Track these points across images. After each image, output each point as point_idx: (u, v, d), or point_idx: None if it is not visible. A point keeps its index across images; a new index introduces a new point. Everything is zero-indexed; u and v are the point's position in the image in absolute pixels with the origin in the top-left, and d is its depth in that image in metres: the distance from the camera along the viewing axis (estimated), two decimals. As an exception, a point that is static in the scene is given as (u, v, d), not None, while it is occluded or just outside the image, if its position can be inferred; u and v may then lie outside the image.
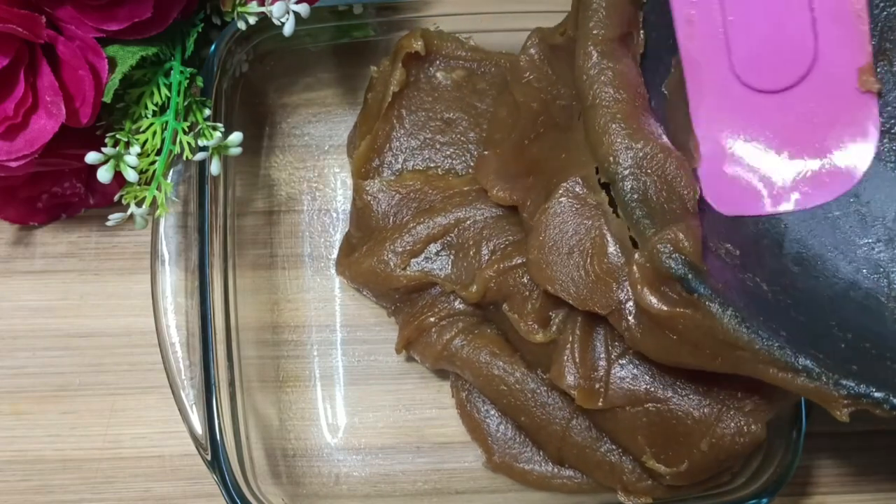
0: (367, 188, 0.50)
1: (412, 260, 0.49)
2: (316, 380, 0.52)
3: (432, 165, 0.51)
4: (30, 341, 0.52)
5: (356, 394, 0.52)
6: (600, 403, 0.45)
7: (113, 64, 0.45)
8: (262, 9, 0.46)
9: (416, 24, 0.53)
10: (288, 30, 0.46)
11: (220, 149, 0.46)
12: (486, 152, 0.49)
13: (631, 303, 0.42)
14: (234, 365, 0.48)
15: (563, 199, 0.45)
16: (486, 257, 0.48)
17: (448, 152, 0.52)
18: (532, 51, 0.50)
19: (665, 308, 0.40)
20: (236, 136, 0.47)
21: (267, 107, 0.55)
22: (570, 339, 0.45)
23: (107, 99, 0.45)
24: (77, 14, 0.44)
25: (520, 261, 0.47)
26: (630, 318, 0.43)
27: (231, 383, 0.47)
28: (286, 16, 0.46)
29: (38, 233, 0.54)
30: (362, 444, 0.51)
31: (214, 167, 0.47)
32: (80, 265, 0.54)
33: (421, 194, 0.50)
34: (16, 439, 0.51)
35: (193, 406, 0.46)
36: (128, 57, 0.45)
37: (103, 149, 0.45)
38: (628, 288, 0.42)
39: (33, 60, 0.44)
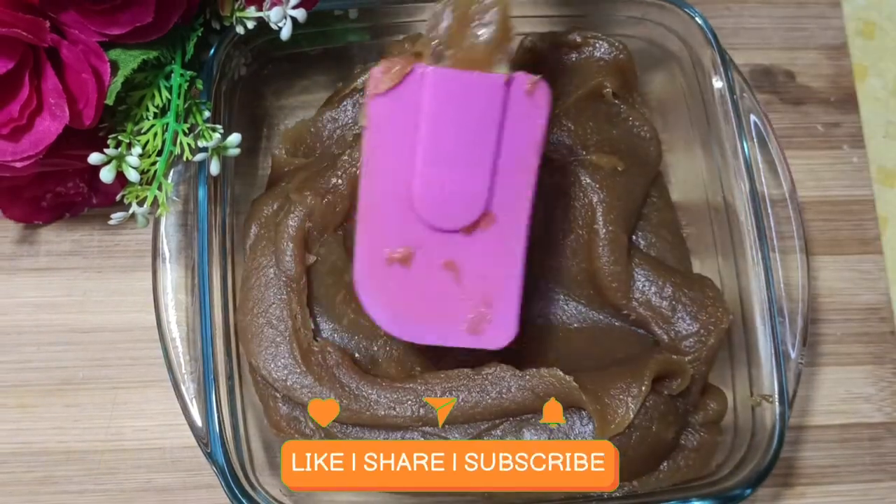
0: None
1: None
2: (312, 374, 0.52)
3: None
4: (35, 336, 0.53)
5: (351, 388, 0.52)
6: None
7: (115, 67, 0.45)
8: (260, 14, 0.47)
9: (409, 28, 0.53)
10: (285, 34, 0.47)
11: (220, 149, 0.47)
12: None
13: None
14: (232, 360, 0.48)
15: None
16: None
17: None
18: None
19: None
20: (235, 138, 0.47)
21: (265, 109, 0.56)
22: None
23: (109, 101, 0.45)
24: (80, 19, 0.45)
25: None
26: None
27: (230, 377, 0.47)
28: (283, 20, 0.47)
29: (42, 231, 0.55)
30: (357, 437, 0.51)
31: (214, 167, 0.47)
32: (83, 263, 0.54)
33: None
34: (21, 431, 0.51)
35: (193, 399, 0.46)
36: (130, 60, 0.46)
37: (106, 150, 0.45)
38: None
39: (38, 64, 0.44)
